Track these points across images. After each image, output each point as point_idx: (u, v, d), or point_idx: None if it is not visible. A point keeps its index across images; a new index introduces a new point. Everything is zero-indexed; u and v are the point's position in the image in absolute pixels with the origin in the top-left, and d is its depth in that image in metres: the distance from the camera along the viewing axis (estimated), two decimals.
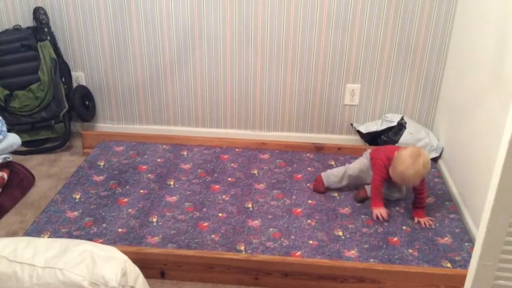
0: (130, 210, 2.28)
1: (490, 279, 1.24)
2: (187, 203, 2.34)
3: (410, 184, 2.21)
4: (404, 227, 2.20)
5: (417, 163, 2.09)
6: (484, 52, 2.22)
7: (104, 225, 2.17)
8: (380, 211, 2.23)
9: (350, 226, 2.20)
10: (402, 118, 2.82)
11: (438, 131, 2.85)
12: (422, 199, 2.25)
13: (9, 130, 2.51)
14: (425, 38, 2.72)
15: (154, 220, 2.21)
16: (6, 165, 2.46)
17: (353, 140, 2.99)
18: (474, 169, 2.25)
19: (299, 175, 2.59)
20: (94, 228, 2.14)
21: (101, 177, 2.53)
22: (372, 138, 2.89)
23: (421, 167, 2.09)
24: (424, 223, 2.21)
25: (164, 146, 2.86)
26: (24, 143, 2.79)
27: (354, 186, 2.45)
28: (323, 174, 2.45)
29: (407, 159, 2.11)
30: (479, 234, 1.22)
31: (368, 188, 2.37)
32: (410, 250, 2.05)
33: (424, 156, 2.12)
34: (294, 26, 2.75)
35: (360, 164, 2.42)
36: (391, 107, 2.92)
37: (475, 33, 2.37)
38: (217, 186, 2.48)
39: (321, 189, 2.43)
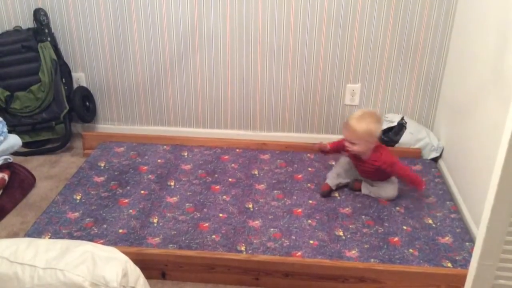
0: (130, 210, 2.28)
1: (491, 278, 1.24)
2: (187, 204, 2.34)
3: (360, 136, 2.26)
4: (404, 227, 2.20)
5: (366, 111, 2.32)
6: (484, 51, 2.22)
7: (105, 226, 2.17)
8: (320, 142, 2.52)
9: (350, 226, 2.20)
10: (402, 118, 2.82)
11: (438, 131, 2.85)
12: (406, 182, 2.37)
13: (9, 131, 2.51)
14: (425, 38, 2.72)
15: (155, 220, 2.21)
16: (7, 166, 2.46)
17: None
18: (474, 168, 2.25)
19: (300, 175, 2.59)
20: (95, 229, 2.15)
21: (102, 178, 2.54)
22: None
23: (367, 115, 2.28)
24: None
25: (165, 146, 2.86)
26: (24, 144, 2.80)
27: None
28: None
29: (357, 111, 2.39)
30: (479, 233, 1.22)
31: (363, 184, 2.43)
32: (410, 250, 2.05)
33: (374, 112, 2.34)
34: (294, 26, 2.75)
35: (342, 158, 2.53)
36: (392, 107, 2.92)
37: (475, 32, 2.36)
38: (218, 187, 2.48)
39: (326, 190, 2.42)
